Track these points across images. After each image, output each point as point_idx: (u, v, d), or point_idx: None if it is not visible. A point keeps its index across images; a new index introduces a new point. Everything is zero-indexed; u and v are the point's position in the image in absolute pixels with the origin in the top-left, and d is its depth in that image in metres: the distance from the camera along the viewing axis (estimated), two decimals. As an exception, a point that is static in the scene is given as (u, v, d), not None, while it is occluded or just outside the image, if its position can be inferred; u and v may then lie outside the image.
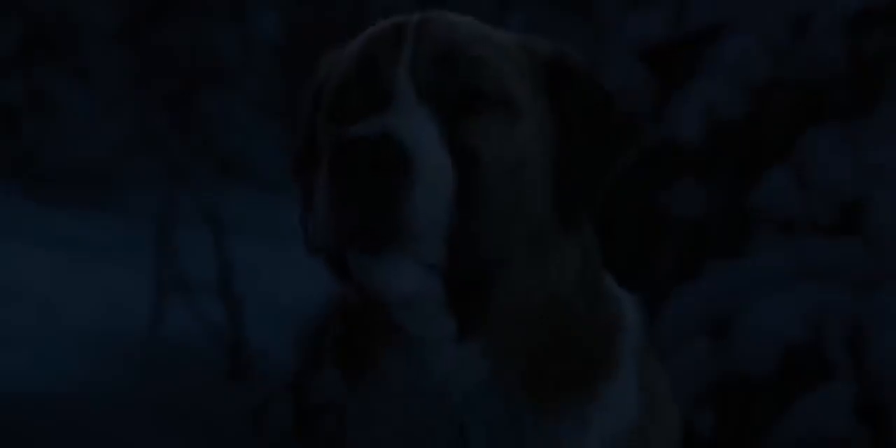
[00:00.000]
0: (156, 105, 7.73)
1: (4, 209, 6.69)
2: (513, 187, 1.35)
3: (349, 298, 1.44)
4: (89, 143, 7.43)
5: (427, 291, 1.32)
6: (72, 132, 7.40)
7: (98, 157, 7.45)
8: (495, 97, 1.36)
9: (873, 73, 3.71)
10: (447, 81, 1.35)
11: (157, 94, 7.76)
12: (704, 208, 3.77)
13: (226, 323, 4.94)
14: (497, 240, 1.34)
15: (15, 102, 7.36)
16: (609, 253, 1.52)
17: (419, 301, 1.34)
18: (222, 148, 8.03)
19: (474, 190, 1.31)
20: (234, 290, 5.00)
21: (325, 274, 1.35)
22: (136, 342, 5.05)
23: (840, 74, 3.71)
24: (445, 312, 1.36)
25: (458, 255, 1.30)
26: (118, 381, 4.65)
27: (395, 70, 1.35)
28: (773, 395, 3.31)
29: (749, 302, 3.35)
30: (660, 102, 3.91)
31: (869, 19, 3.72)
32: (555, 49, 1.44)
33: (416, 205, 1.26)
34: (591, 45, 5.42)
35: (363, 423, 1.47)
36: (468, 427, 1.41)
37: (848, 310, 3.29)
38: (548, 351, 1.42)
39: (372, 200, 1.26)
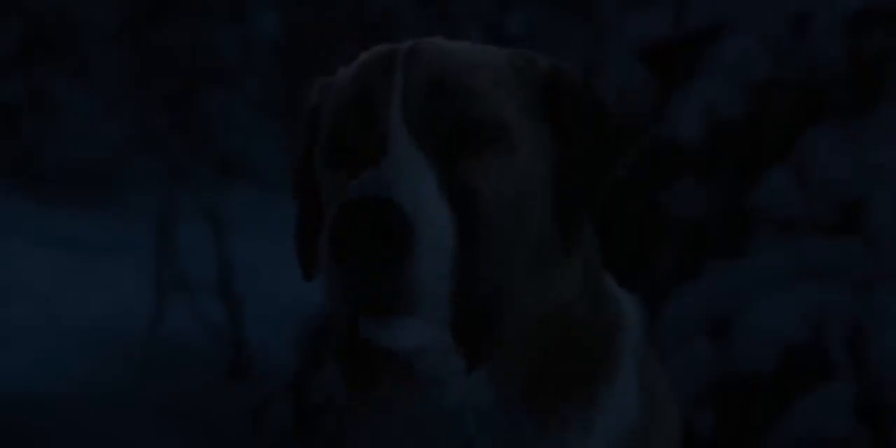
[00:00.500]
0: (156, 105, 7.72)
1: (4, 209, 6.69)
2: (513, 215, 1.35)
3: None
4: (89, 143, 7.43)
5: (436, 343, 1.32)
6: (72, 132, 7.39)
7: (98, 157, 7.45)
8: (491, 126, 1.35)
9: (873, 73, 3.71)
10: (442, 112, 1.34)
11: (157, 94, 7.75)
12: (704, 208, 3.77)
13: (226, 323, 4.94)
14: (500, 273, 1.33)
15: (15, 102, 7.35)
16: (609, 253, 1.52)
17: (428, 351, 1.35)
18: (222, 148, 8.02)
19: (475, 230, 1.31)
20: (234, 289, 4.99)
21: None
22: (136, 342, 5.04)
23: (840, 74, 3.72)
24: (454, 353, 1.35)
25: (464, 302, 1.29)
26: (118, 381, 4.65)
27: (389, 105, 1.34)
28: (773, 395, 3.31)
29: (749, 302, 3.35)
30: (660, 102, 3.91)
31: (869, 19, 3.72)
32: (551, 63, 1.44)
33: (420, 269, 1.26)
34: (591, 45, 5.41)
35: (366, 440, 1.47)
36: (472, 440, 1.41)
37: (848, 310, 3.29)
38: (548, 356, 1.42)
39: (375, 268, 1.25)
